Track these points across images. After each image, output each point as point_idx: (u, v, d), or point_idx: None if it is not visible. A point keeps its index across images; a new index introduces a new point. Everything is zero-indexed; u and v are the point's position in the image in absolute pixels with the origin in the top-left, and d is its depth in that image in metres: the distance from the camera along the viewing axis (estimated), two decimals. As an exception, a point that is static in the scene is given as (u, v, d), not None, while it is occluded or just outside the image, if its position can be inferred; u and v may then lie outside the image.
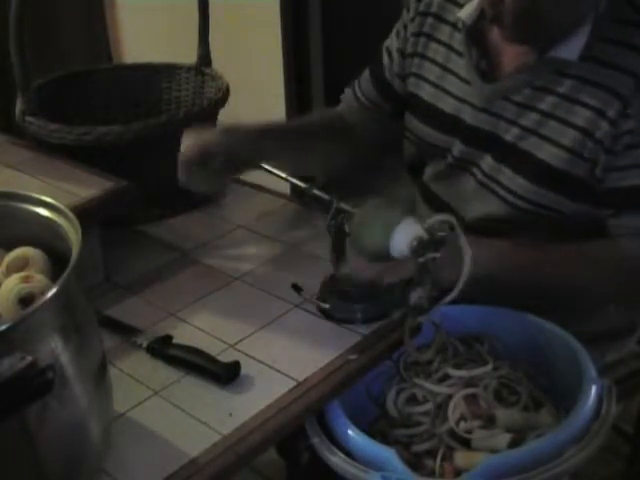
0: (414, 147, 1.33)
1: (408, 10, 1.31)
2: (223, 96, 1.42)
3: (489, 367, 1.04)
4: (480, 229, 1.22)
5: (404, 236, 1.01)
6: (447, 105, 1.25)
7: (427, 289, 1.04)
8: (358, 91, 1.40)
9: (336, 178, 1.34)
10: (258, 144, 1.23)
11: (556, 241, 1.13)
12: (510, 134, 1.17)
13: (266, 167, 1.19)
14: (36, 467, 0.77)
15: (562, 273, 1.12)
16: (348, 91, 1.43)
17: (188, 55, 1.55)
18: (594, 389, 0.97)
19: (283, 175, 1.17)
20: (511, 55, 1.18)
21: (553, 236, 1.14)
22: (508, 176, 1.18)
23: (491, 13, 1.12)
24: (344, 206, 1.09)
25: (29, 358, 0.69)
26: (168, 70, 1.58)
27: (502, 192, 1.19)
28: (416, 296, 1.04)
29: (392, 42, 1.34)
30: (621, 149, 1.09)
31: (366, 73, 1.40)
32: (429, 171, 1.34)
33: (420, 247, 1.00)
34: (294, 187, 1.17)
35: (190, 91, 1.57)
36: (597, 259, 1.12)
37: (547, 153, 1.14)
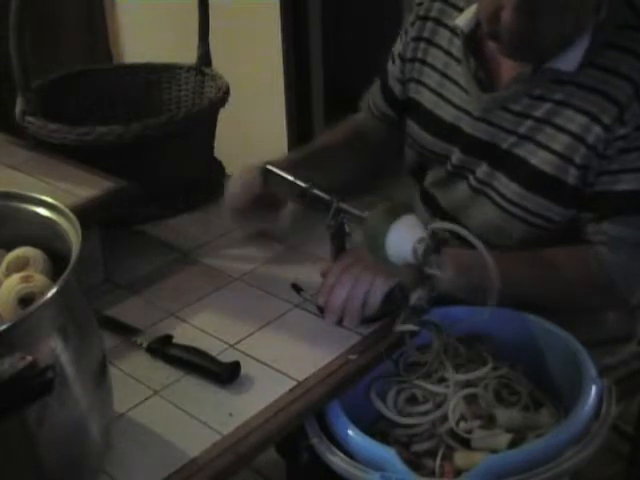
0: (415, 153, 1.33)
1: (410, 14, 1.31)
2: (223, 96, 1.42)
3: (486, 369, 1.04)
4: (480, 237, 1.22)
5: (405, 238, 1.00)
6: (447, 113, 1.25)
7: (427, 290, 1.04)
8: (370, 99, 1.41)
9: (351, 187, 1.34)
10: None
11: (540, 249, 1.14)
12: (507, 142, 1.17)
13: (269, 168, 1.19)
14: (36, 467, 0.77)
15: (540, 287, 1.14)
16: (365, 99, 1.43)
17: (188, 55, 1.55)
18: (594, 389, 0.97)
19: (284, 175, 1.17)
20: (508, 65, 1.17)
21: (544, 245, 1.15)
22: (502, 182, 1.18)
23: (488, 30, 1.11)
24: (344, 206, 1.09)
25: (29, 358, 0.69)
26: (168, 70, 1.58)
27: (496, 198, 1.19)
28: (416, 296, 1.04)
29: (397, 46, 1.34)
30: (613, 154, 1.09)
31: (376, 82, 1.41)
32: (429, 177, 1.34)
33: (426, 252, 0.99)
34: (294, 187, 1.17)
35: (190, 91, 1.57)
36: (574, 275, 1.14)
37: (540, 159, 1.14)
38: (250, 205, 1.20)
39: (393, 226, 1.00)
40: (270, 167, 1.18)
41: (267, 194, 1.20)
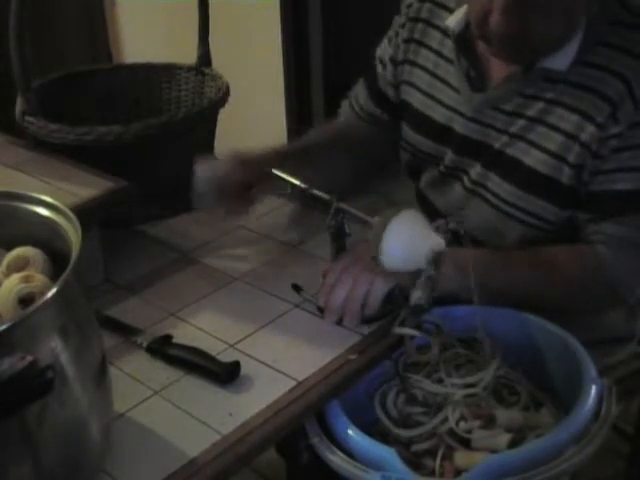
0: (408, 155, 1.33)
1: (400, 16, 1.30)
2: (223, 96, 1.42)
3: (481, 375, 1.04)
4: (478, 238, 1.22)
5: (399, 243, 1.00)
6: (438, 114, 1.25)
7: (427, 289, 1.04)
8: (355, 104, 1.39)
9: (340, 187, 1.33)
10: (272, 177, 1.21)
11: (539, 248, 1.14)
12: (500, 142, 1.17)
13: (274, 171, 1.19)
14: (36, 467, 0.77)
15: (540, 286, 1.13)
16: (345, 104, 1.42)
17: (188, 55, 1.56)
18: (594, 389, 0.97)
19: (283, 175, 1.17)
20: (499, 65, 1.17)
21: (542, 245, 1.14)
22: (495, 182, 1.18)
23: (478, 33, 1.11)
24: (344, 206, 1.09)
25: (29, 358, 0.69)
26: (168, 70, 1.58)
27: (491, 198, 1.19)
28: (416, 296, 1.04)
29: (384, 50, 1.33)
30: (607, 153, 1.09)
31: (360, 84, 1.39)
32: (424, 178, 1.33)
33: (439, 259, 0.99)
34: (294, 187, 1.17)
35: (190, 91, 1.57)
36: (574, 274, 1.14)
37: (533, 159, 1.14)
38: (216, 191, 1.19)
39: (386, 232, 1.00)
40: (274, 170, 1.18)
41: (237, 182, 1.19)
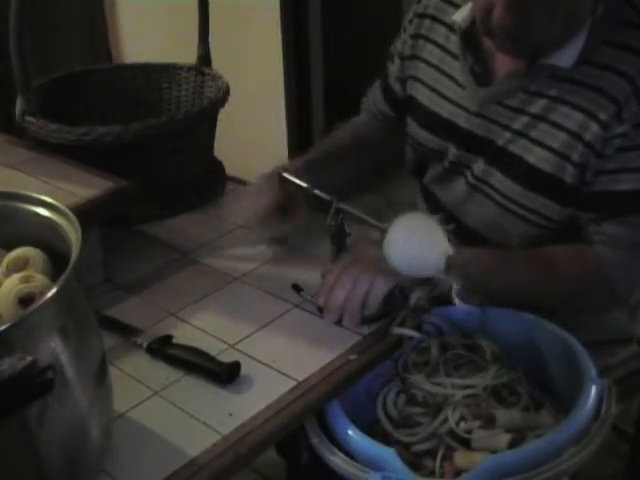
0: (413, 151, 1.33)
1: (410, 12, 1.31)
2: (223, 96, 1.42)
3: (481, 375, 1.04)
4: (481, 233, 1.22)
5: (427, 249, 1.00)
6: (443, 109, 1.25)
7: (427, 290, 1.04)
8: (371, 101, 1.41)
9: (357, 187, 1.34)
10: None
11: (540, 247, 1.14)
12: (503, 138, 1.17)
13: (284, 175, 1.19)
14: (36, 467, 0.77)
15: (540, 286, 1.14)
16: (364, 101, 1.43)
17: (188, 55, 1.56)
18: (594, 389, 0.97)
19: (289, 177, 1.17)
20: (504, 60, 1.17)
21: (544, 243, 1.14)
22: (498, 179, 1.18)
23: (481, 27, 1.11)
24: (344, 206, 1.09)
25: (29, 358, 0.69)
26: (168, 70, 1.58)
27: (494, 195, 1.19)
28: (416, 296, 1.04)
29: (395, 46, 1.35)
30: (611, 152, 1.08)
31: (376, 82, 1.41)
32: (429, 173, 1.34)
33: (449, 264, 0.99)
34: (294, 187, 1.17)
35: (190, 91, 1.57)
36: (574, 273, 1.14)
37: (536, 156, 1.13)
38: (269, 212, 1.20)
39: (397, 238, 1.00)
40: (285, 174, 1.18)
41: (282, 199, 1.20)
